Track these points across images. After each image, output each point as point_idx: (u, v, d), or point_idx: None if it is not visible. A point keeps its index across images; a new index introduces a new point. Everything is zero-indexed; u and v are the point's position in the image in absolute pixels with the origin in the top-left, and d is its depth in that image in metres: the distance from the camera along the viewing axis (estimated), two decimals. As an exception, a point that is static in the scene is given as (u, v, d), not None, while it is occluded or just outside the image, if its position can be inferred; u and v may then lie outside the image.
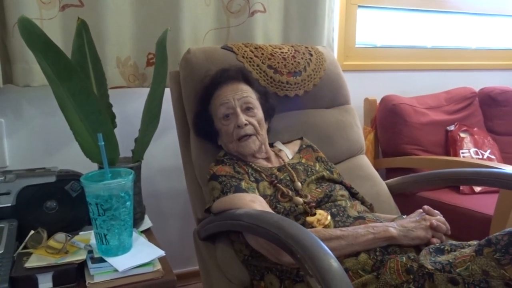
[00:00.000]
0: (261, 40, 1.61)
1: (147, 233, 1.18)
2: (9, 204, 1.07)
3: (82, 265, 0.95)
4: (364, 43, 2.09)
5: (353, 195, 1.24)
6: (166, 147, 1.66)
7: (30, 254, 0.96)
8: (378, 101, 1.94)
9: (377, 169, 1.50)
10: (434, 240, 0.98)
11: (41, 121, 1.48)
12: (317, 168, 1.24)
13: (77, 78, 1.04)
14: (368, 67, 2.06)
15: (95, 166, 1.16)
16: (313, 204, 1.10)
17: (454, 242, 0.93)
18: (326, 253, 0.74)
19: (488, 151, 1.90)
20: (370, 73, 2.07)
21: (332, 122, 1.47)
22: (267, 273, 1.04)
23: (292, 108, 1.43)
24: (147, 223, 1.24)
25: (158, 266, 0.95)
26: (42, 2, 1.32)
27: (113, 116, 1.22)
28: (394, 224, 0.99)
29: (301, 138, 1.36)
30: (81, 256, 0.95)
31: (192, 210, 1.30)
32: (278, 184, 1.14)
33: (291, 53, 1.43)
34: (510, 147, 2.02)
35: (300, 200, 1.10)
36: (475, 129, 1.96)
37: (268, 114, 1.28)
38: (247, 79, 1.26)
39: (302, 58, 1.44)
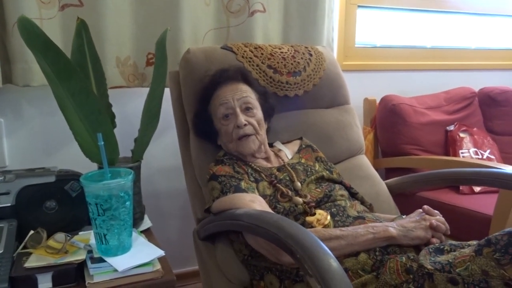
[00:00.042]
0: (260, 40, 1.61)
1: (147, 233, 1.17)
2: (9, 204, 1.07)
3: (82, 265, 0.94)
4: (364, 43, 2.09)
5: (353, 195, 1.24)
6: (165, 147, 1.66)
7: (29, 254, 0.96)
8: (377, 101, 1.94)
9: (376, 169, 1.50)
10: (434, 240, 0.98)
11: (40, 121, 1.48)
12: (316, 168, 1.24)
13: (77, 78, 1.03)
14: (367, 67, 2.06)
15: (94, 166, 1.16)
16: (313, 204, 1.10)
17: (453, 242, 0.93)
18: (325, 253, 0.74)
19: (488, 151, 1.90)
20: (370, 73, 2.07)
21: (332, 122, 1.47)
22: (267, 273, 1.04)
23: (291, 108, 1.43)
24: (146, 223, 1.24)
25: (158, 266, 0.95)
26: (42, 2, 1.32)
27: (112, 116, 1.22)
28: (393, 224, 0.99)
29: (300, 138, 1.37)
30: (81, 256, 0.95)
31: (191, 210, 1.30)
32: (277, 184, 1.14)
33: (290, 53, 1.43)
34: (509, 147, 2.02)
35: (300, 200, 1.10)
36: (475, 129, 1.96)
37: (268, 114, 1.28)
38: (246, 79, 1.26)
39: (301, 58, 1.44)
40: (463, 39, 2.34)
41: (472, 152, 1.87)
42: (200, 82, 1.27)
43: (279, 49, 1.43)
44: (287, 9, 1.67)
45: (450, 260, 0.83)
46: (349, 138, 1.48)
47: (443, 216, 1.04)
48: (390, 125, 1.86)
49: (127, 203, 0.95)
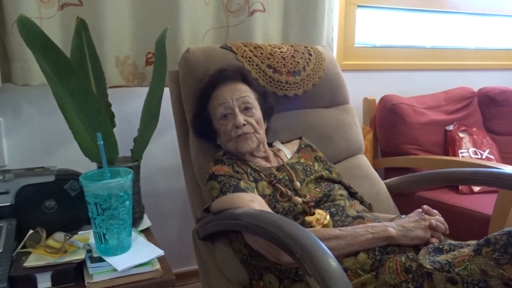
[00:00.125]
0: (260, 40, 1.61)
1: (146, 232, 1.17)
2: (8, 203, 1.07)
3: (81, 264, 0.94)
4: (363, 43, 2.09)
5: (352, 194, 1.24)
6: (165, 146, 1.66)
7: (29, 253, 0.96)
8: (377, 101, 1.94)
9: (376, 169, 1.50)
10: (433, 240, 0.98)
11: (40, 120, 1.47)
12: (316, 168, 1.24)
13: (76, 77, 1.03)
14: (367, 67, 2.06)
15: (94, 166, 1.16)
16: (312, 203, 1.10)
17: (453, 241, 0.94)
18: (325, 253, 0.74)
19: (487, 151, 1.90)
20: (369, 72, 2.07)
21: (331, 121, 1.47)
22: (266, 273, 1.04)
23: (291, 108, 1.43)
24: (146, 222, 1.24)
25: (157, 266, 0.95)
26: (41, 1, 1.32)
27: (112, 116, 1.22)
28: (393, 224, 0.99)
29: (300, 138, 1.36)
30: (80, 255, 0.95)
31: (191, 209, 1.30)
32: (277, 184, 1.14)
33: (290, 52, 1.43)
34: (508, 147, 2.02)
35: (299, 199, 1.10)
36: (474, 129, 1.96)
37: (267, 113, 1.28)
38: (245, 79, 1.26)
39: (301, 57, 1.44)
40: (463, 39, 2.34)
41: (471, 152, 1.87)
42: (200, 82, 1.27)
43: (279, 48, 1.43)
44: (287, 9, 1.67)
45: (449, 260, 0.83)
46: (349, 138, 1.48)
47: (442, 216, 1.04)
48: (390, 124, 1.86)
49: (127, 202, 0.95)
